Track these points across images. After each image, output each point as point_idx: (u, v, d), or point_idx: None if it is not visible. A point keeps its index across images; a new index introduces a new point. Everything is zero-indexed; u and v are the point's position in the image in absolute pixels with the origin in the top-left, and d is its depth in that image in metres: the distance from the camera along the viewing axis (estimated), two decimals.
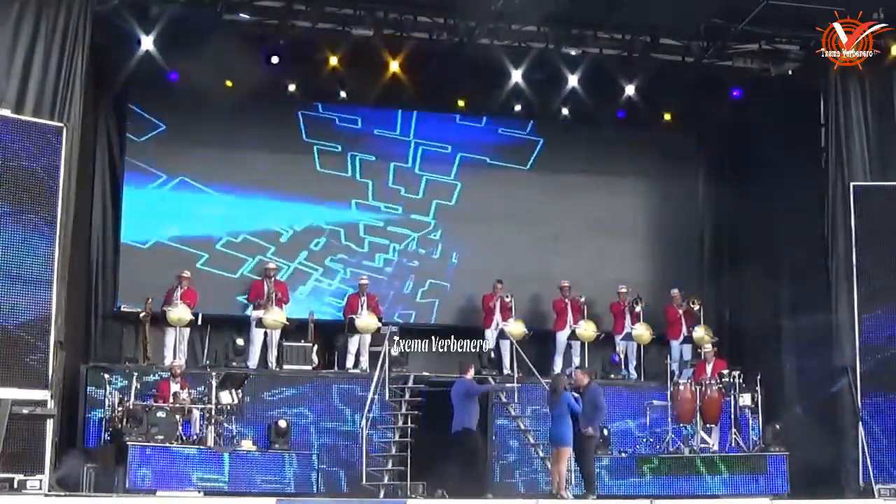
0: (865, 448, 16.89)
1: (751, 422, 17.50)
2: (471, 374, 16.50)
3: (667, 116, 20.48)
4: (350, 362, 18.41)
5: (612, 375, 19.17)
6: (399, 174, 20.24)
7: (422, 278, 20.06)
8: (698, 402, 17.64)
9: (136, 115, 19.01)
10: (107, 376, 16.55)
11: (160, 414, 15.73)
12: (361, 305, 18.50)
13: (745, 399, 17.43)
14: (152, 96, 19.00)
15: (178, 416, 15.88)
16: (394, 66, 18.49)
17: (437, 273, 20.15)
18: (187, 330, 17.76)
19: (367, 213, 20.05)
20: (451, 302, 20.08)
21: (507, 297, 19.01)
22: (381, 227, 20.09)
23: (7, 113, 14.99)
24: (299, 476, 16.40)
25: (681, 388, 17.83)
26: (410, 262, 20.10)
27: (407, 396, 17.19)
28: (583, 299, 19.48)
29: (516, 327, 18.76)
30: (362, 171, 20.08)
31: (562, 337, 19.38)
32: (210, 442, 15.87)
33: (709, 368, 18.22)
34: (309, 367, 18.03)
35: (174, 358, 17.32)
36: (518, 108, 20.09)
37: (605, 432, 17.59)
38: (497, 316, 19.01)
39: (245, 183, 19.48)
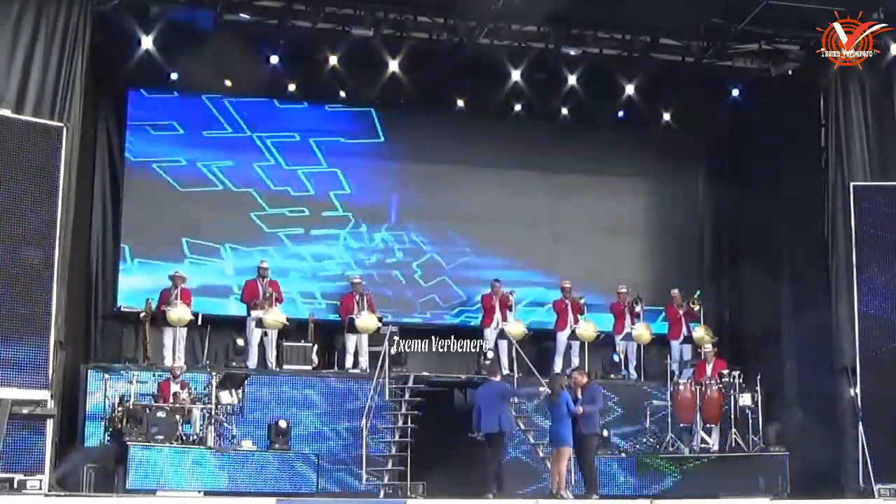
0: (865, 448, 16.89)
1: (751, 422, 17.49)
2: (499, 376, 16.40)
3: (667, 116, 20.48)
4: (349, 362, 18.40)
5: (612, 375, 19.16)
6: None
7: (406, 271, 19.99)
8: (698, 402, 17.65)
9: (136, 114, 19.01)
10: (107, 376, 16.55)
11: (160, 414, 15.70)
12: (358, 305, 18.46)
13: (745, 399, 17.42)
14: (152, 96, 18.99)
15: (178, 416, 15.85)
16: (393, 65, 18.47)
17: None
18: (187, 330, 17.76)
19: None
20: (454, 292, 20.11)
21: (508, 295, 19.01)
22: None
23: (7, 113, 14.97)
24: (299, 476, 16.38)
25: (681, 388, 17.84)
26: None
27: (407, 396, 17.17)
28: (583, 300, 19.48)
29: (516, 327, 18.75)
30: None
31: (562, 337, 19.36)
32: (210, 442, 15.87)
33: (709, 368, 18.22)
34: (309, 367, 18.02)
35: (174, 358, 17.31)
36: (518, 107, 20.10)
37: (606, 433, 17.59)
38: (497, 315, 19.00)
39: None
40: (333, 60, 18.46)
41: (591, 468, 15.82)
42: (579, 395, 15.74)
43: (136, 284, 18.60)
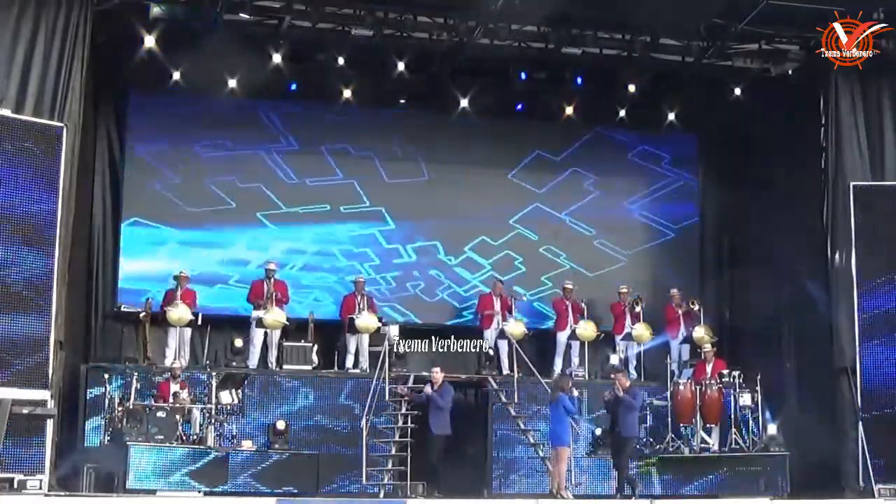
0: (865, 448, 16.89)
1: (751, 422, 17.49)
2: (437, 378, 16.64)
3: (667, 116, 20.47)
4: (350, 362, 18.40)
5: (612, 375, 19.13)
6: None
7: (406, 271, 19.94)
8: (698, 402, 17.67)
9: (137, 114, 19.00)
10: (107, 376, 16.54)
11: (160, 414, 15.73)
12: (358, 305, 18.44)
13: (745, 399, 17.44)
14: (152, 96, 18.99)
15: (178, 416, 15.88)
16: (394, 65, 18.44)
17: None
18: (188, 330, 17.75)
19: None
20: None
21: (509, 295, 18.99)
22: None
23: (7, 113, 15.00)
24: (299, 476, 16.40)
25: (681, 388, 17.86)
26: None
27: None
28: (583, 300, 19.48)
29: (516, 327, 18.74)
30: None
31: (562, 337, 19.36)
32: (210, 442, 15.88)
33: (709, 368, 18.24)
34: (309, 367, 18.02)
35: (175, 358, 17.31)
36: (519, 107, 20.09)
37: (599, 432, 17.64)
38: (497, 315, 18.98)
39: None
40: (334, 60, 18.41)
41: (627, 469, 16.00)
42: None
43: (136, 282, 18.62)
